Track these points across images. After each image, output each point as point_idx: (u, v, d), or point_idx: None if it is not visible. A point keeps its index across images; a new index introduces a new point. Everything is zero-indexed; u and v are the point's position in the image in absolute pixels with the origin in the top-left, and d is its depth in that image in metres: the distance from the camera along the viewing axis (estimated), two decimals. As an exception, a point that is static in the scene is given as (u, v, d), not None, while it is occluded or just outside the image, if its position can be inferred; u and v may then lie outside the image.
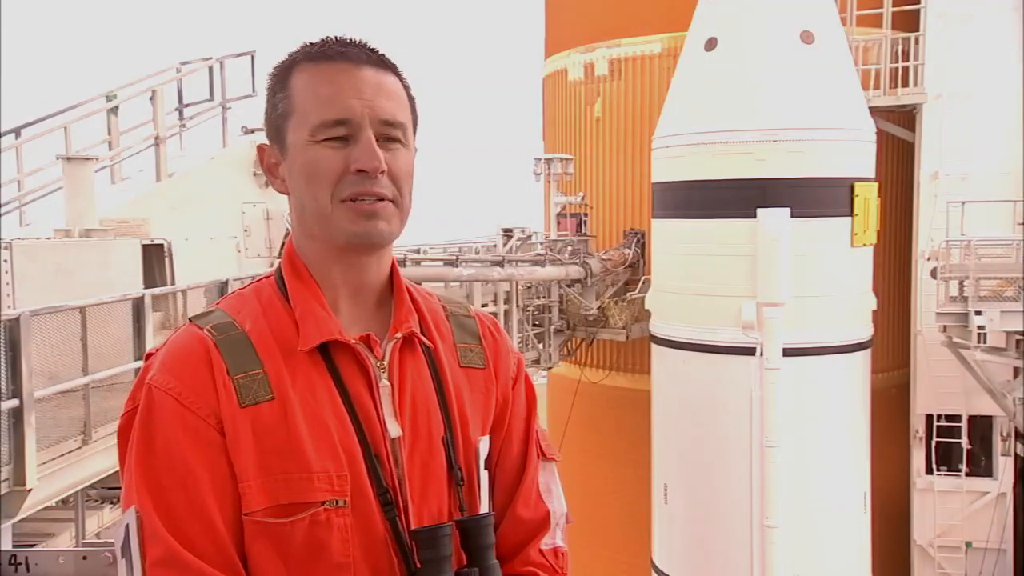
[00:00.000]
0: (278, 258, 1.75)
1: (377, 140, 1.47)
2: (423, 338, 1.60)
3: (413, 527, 1.50)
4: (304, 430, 1.45)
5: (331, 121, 1.46)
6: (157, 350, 1.54)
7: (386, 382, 1.54)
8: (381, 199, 1.48)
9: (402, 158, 1.52)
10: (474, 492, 1.61)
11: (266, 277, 1.63)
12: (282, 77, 1.52)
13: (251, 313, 1.54)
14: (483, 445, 1.65)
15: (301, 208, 1.54)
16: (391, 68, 1.55)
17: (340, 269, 1.55)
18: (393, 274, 1.62)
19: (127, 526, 1.42)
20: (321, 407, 1.47)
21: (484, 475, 1.65)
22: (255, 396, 1.45)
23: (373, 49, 1.53)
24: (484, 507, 1.64)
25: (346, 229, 1.48)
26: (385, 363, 1.54)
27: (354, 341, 1.52)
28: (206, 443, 1.43)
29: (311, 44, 1.54)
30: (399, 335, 1.56)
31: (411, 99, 1.58)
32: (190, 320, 1.54)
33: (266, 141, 1.59)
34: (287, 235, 1.73)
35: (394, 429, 1.52)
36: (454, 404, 1.60)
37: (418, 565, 1.48)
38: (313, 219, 1.51)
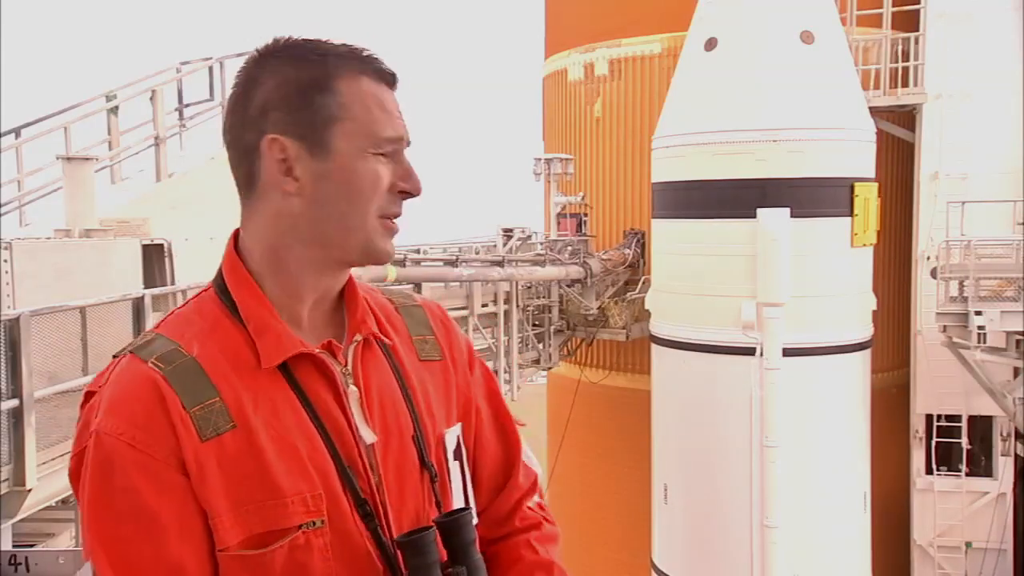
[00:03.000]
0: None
1: None
2: (382, 337, 1.58)
3: (396, 534, 1.48)
4: (271, 454, 1.39)
5: (394, 137, 1.47)
6: (98, 388, 1.43)
7: (353, 388, 1.51)
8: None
9: None
10: (446, 487, 1.60)
11: (205, 291, 1.53)
12: (323, 78, 1.45)
13: (196, 335, 1.44)
14: (450, 437, 1.64)
15: (329, 216, 1.46)
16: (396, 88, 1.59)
17: (321, 279, 1.51)
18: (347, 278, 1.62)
19: None
20: (286, 426, 1.42)
21: (455, 467, 1.64)
22: (215, 427, 1.37)
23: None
24: (457, 501, 1.62)
25: (379, 246, 1.48)
26: (349, 368, 1.52)
27: (317, 350, 1.48)
28: (169, 487, 1.35)
29: (350, 51, 1.50)
30: (359, 338, 1.54)
31: None
32: (130, 352, 1.43)
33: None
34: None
35: (368, 435, 1.50)
36: (420, 400, 1.59)
37: (405, 572, 1.45)
38: (346, 230, 1.46)
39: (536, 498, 1.79)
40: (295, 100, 1.45)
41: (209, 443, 1.36)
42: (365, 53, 1.50)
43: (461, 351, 1.73)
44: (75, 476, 1.41)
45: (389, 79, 1.50)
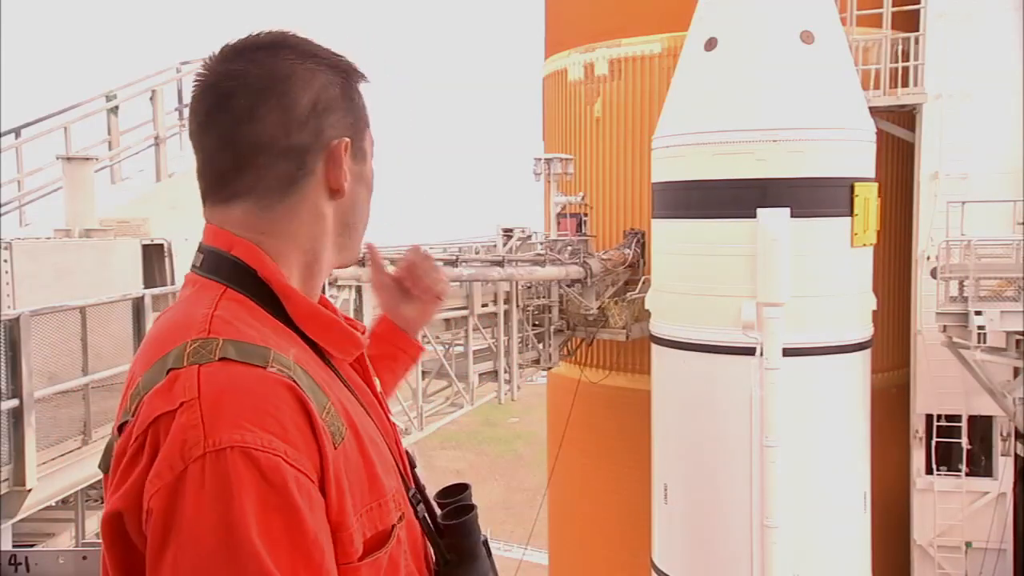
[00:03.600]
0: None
1: None
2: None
3: (441, 519, 1.53)
4: (372, 453, 1.36)
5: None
6: (181, 403, 1.19)
7: (376, 379, 1.58)
8: None
9: None
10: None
11: (223, 291, 1.37)
12: (354, 81, 1.51)
13: (271, 338, 1.31)
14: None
15: (359, 219, 1.53)
16: None
17: (322, 280, 1.56)
18: None
19: None
20: (365, 422, 1.40)
21: None
22: (340, 433, 1.28)
23: None
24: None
25: (360, 248, 1.56)
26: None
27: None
28: (318, 507, 1.21)
29: (349, 64, 1.52)
30: (367, 333, 1.63)
31: None
32: (221, 359, 1.23)
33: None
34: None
35: (398, 423, 1.56)
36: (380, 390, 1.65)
37: (450, 556, 1.50)
38: (362, 230, 1.54)
39: None
40: (345, 102, 1.45)
41: (339, 450, 1.27)
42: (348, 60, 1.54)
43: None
44: (168, 509, 1.14)
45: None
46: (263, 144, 1.38)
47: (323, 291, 1.59)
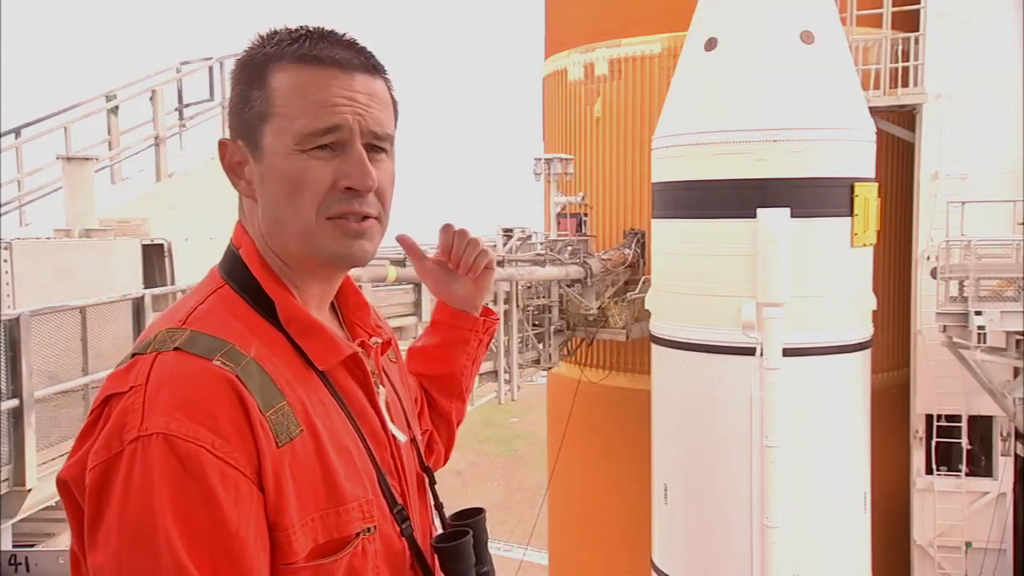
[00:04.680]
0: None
1: (365, 152, 1.39)
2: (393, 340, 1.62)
3: (415, 539, 1.46)
4: (334, 459, 1.33)
5: (321, 129, 1.34)
6: (130, 388, 1.24)
7: (382, 388, 1.51)
8: (366, 217, 1.40)
9: (386, 170, 1.43)
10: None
11: (219, 287, 1.41)
12: (259, 72, 1.37)
13: (240, 333, 1.33)
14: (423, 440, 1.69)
15: (275, 220, 1.39)
16: (380, 72, 1.44)
17: (315, 283, 1.46)
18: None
19: None
20: (338, 429, 1.37)
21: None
22: (288, 433, 1.27)
23: (362, 49, 1.42)
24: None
25: (330, 248, 1.38)
26: (375, 368, 1.52)
27: (359, 351, 1.46)
28: (247, 499, 1.22)
29: (291, 37, 1.39)
30: (377, 340, 1.54)
31: (395, 103, 1.47)
32: (175, 348, 1.27)
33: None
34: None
35: (400, 434, 1.50)
36: (410, 403, 1.61)
37: None
38: (291, 234, 1.38)
39: None
40: (236, 100, 1.41)
41: (284, 449, 1.27)
42: (311, 38, 1.38)
43: (399, 350, 1.73)
44: (100, 487, 1.19)
45: (345, 64, 1.37)
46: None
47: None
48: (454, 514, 1.58)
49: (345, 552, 1.32)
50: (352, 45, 1.41)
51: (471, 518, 1.55)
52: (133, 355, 1.30)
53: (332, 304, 1.55)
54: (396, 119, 1.48)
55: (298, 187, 1.35)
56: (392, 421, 1.51)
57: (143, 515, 1.16)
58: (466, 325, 1.91)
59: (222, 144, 1.42)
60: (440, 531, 1.58)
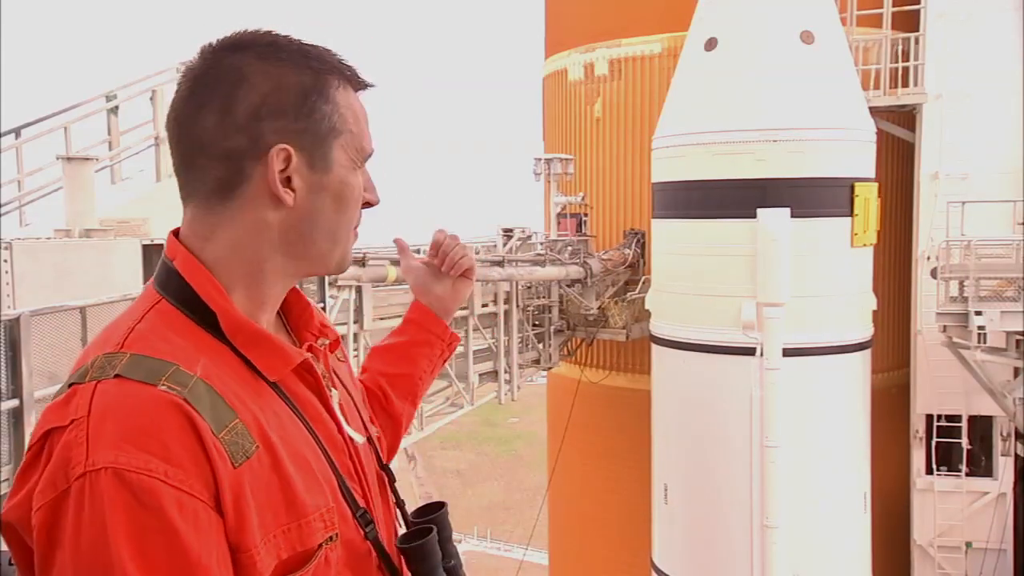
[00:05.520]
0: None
1: None
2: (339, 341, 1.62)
3: (379, 540, 1.46)
4: (292, 471, 1.31)
5: (370, 152, 1.48)
6: (71, 420, 1.19)
7: (335, 391, 1.50)
8: None
9: None
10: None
11: (156, 303, 1.36)
12: (322, 88, 1.39)
13: (183, 352, 1.28)
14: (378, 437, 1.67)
15: (317, 227, 1.41)
16: None
17: (284, 289, 1.47)
18: None
19: None
20: (295, 439, 1.35)
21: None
22: (244, 451, 1.24)
23: None
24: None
25: (349, 256, 1.49)
26: (325, 372, 1.52)
27: (309, 356, 1.45)
28: (207, 527, 1.19)
29: (332, 57, 1.43)
30: (325, 341, 1.55)
31: None
32: (116, 376, 1.22)
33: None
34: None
35: (357, 436, 1.50)
36: (363, 402, 1.62)
37: None
38: (332, 241, 1.44)
39: None
40: (299, 108, 1.37)
41: (241, 469, 1.23)
42: (344, 61, 1.46)
43: (346, 349, 1.77)
44: (49, 528, 1.15)
45: (364, 89, 1.49)
46: (203, 145, 1.35)
47: (324, 290, 1.59)
48: (416, 510, 1.59)
49: (311, 565, 1.31)
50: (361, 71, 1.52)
51: (433, 514, 1.56)
52: (70, 384, 1.24)
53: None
54: None
55: (351, 200, 1.45)
56: (348, 423, 1.50)
57: (98, 554, 1.12)
58: (435, 329, 1.99)
59: (282, 150, 1.36)
60: (404, 530, 1.58)
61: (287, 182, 1.37)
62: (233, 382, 1.30)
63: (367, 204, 1.49)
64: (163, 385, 1.21)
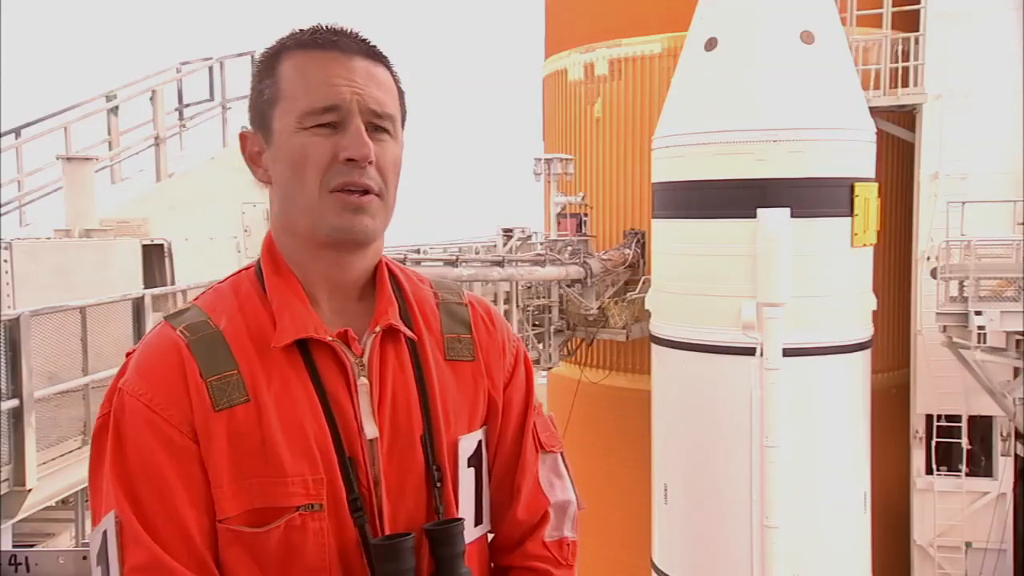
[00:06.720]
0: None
1: (366, 130, 1.43)
2: (406, 330, 1.54)
3: (386, 533, 1.46)
4: (278, 432, 1.40)
5: (320, 108, 1.41)
6: (135, 350, 1.49)
7: (364, 380, 1.48)
8: (367, 192, 1.43)
9: (390, 150, 1.46)
10: (449, 493, 1.55)
11: (245, 269, 1.56)
12: (270, 63, 1.47)
13: (227, 309, 1.48)
14: (465, 443, 1.57)
15: (284, 199, 1.47)
16: (382, 60, 1.50)
17: (321, 266, 1.49)
18: (377, 267, 1.57)
19: (104, 532, 1.37)
20: (297, 407, 1.42)
21: (468, 474, 1.58)
22: (229, 399, 1.40)
23: (365, 39, 1.49)
24: (463, 508, 1.57)
25: (331, 222, 1.42)
26: (364, 360, 1.49)
27: (330, 338, 1.46)
28: (179, 450, 1.38)
29: (301, 31, 1.48)
30: (378, 329, 1.50)
31: (401, 92, 1.53)
32: (164, 319, 1.49)
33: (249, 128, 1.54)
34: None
35: (370, 430, 1.47)
36: (437, 400, 1.53)
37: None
38: (299, 210, 1.45)
39: (556, 532, 1.74)
40: (252, 92, 1.51)
41: (221, 413, 1.40)
42: (319, 28, 1.47)
43: (500, 354, 1.66)
44: (99, 434, 1.44)
45: (344, 47, 1.44)
46: None
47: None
48: (435, 521, 1.52)
49: (276, 523, 1.39)
50: (356, 35, 1.49)
51: (442, 525, 1.49)
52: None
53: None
54: (403, 108, 1.54)
55: (302, 163, 1.42)
56: (376, 414, 1.48)
57: (99, 448, 1.42)
58: None
59: (242, 136, 1.53)
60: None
61: (258, 162, 1.51)
62: (252, 342, 1.45)
63: (353, 161, 1.41)
64: (180, 330, 1.45)
